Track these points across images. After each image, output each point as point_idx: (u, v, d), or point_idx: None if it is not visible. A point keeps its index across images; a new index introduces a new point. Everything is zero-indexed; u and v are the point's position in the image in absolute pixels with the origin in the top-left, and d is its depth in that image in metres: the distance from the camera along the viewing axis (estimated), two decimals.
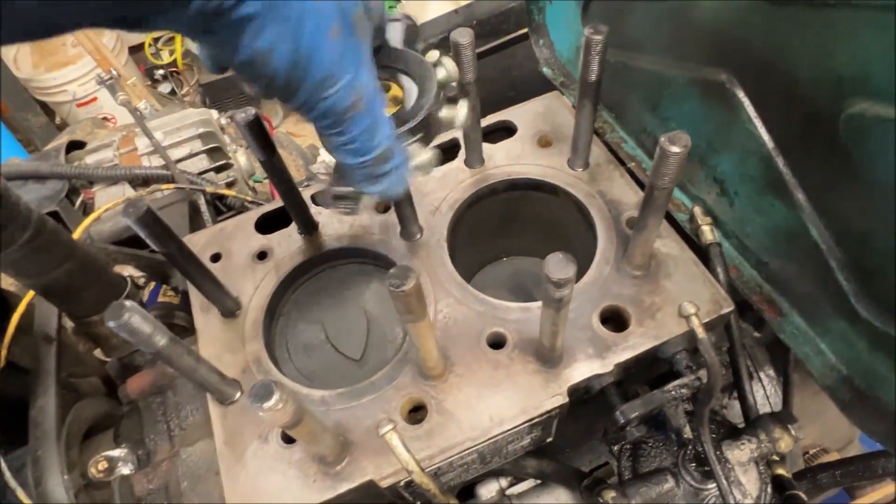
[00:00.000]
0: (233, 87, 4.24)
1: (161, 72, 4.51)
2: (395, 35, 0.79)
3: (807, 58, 0.79)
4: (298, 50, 0.54)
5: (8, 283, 1.38)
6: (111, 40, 4.00)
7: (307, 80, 0.57)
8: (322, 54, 0.55)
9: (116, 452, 1.01)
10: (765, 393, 1.25)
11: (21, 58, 4.04)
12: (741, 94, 0.92)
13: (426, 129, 0.76)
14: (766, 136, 0.90)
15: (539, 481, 1.13)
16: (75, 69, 3.90)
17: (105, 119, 3.61)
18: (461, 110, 0.79)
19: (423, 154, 0.74)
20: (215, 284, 0.98)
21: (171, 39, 4.48)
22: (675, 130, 0.74)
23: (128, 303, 0.69)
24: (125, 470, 0.99)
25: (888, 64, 0.68)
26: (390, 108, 0.79)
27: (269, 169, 0.96)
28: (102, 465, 0.99)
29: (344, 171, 0.70)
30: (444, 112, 0.78)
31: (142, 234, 0.81)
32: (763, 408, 1.19)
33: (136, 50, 4.42)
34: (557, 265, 0.67)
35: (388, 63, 0.79)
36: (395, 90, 0.81)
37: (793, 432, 0.87)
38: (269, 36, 0.52)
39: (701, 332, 0.72)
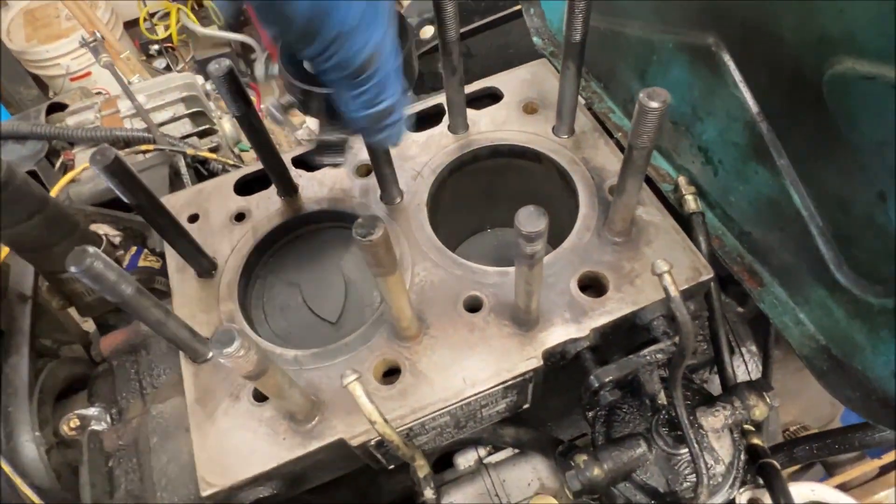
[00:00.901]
0: None
1: (156, 47, 4.46)
2: None
3: (791, 18, 0.77)
4: (318, 2, 0.54)
5: None
6: (106, 13, 3.94)
7: (324, 32, 0.57)
8: (340, 11, 0.56)
9: (90, 411, 1.01)
10: (746, 369, 1.24)
11: (14, 30, 3.99)
12: (727, 58, 0.90)
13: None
14: (750, 101, 0.89)
15: (517, 450, 1.13)
16: (69, 42, 3.84)
17: (98, 94, 3.57)
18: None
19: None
20: (190, 243, 0.97)
21: (167, 15, 4.42)
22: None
23: (90, 248, 0.67)
24: (98, 427, 0.98)
25: (872, 21, 0.66)
26: None
27: (245, 125, 0.94)
28: (74, 423, 0.98)
29: (347, 118, 0.71)
30: None
31: (110, 184, 0.79)
32: None
33: (131, 25, 4.36)
34: (528, 218, 0.66)
35: None
36: None
37: (768, 400, 0.86)
38: None
39: (674, 291, 0.71)
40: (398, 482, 1.16)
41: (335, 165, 0.90)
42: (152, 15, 4.47)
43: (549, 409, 1.23)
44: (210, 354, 0.92)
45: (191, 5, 4.30)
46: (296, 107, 0.77)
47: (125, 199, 0.82)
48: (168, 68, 4.51)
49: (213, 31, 4.18)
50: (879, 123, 0.69)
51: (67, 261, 0.67)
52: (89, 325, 1.51)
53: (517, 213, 0.67)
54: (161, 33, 4.46)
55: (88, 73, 4.02)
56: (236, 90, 0.87)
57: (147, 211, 0.87)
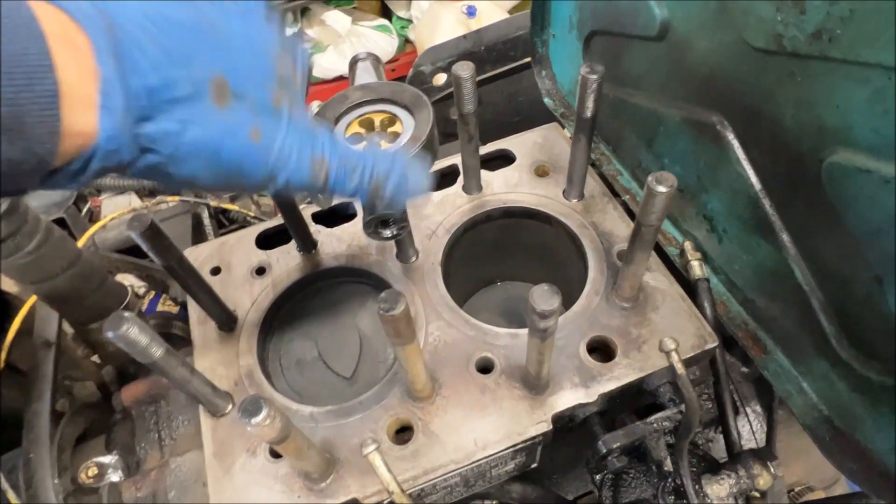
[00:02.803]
0: None
1: None
2: (366, 74, 0.83)
3: (791, 106, 0.82)
4: (224, 169, 0.52)
5: (9, 284, 1.41)
6: None
7: (250, 182, 0.56)
8: (252, 160, 0.53)
9: (107, 459, 1.03)
10: (751, 428, 1.26)
11: None
12: (731, 136, 0.95)
13: (427, 152, 0.79)
14: (753, 178, 0.93)
15: None
16: None
17: None
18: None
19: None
20: (213, 298, 1.01)
21: None
22: (669, 168, 0.77)
23: (127, 314, 0.71)
24: (114, 477, 1.01)
25: (866, 118, 0.71)
26: (391, 136, 0.82)
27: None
28: (92, 471, 1.00)
29: (364, 207, 0.72)
30: None
31: (145, 248, 0.84)
32: (749, 443, 1.20)
33: None
34: (542, 296, 0.70)
35: (378, 97, 0.83)
36: (379, 116, 0.85)
37: (772, 470, 0.88)
38: (187, 169, 0.51)
39: (680, 368, 0.74)
40: None
41: (398, 236, 0.88)
42: None
43: (553, 462, 1.24)
44: (228, 409, 0.95)
45: None
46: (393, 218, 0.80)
47: (157, 261, 0.87)
48: None
49: None
50: (875, 212, 0.73)
51: (105, 326, 0.70)
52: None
53: (531, 291, 0.71)
54: None
55: None
56: None
57: (176, 270, 0.91)
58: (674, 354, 0.73)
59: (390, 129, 0.83)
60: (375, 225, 0.79)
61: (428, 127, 0.79)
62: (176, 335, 1.31)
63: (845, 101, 0.73)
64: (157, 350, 0.76)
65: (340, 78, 4.04)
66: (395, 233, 0.84)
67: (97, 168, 0.47)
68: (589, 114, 0.97)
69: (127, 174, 0.50)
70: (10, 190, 0.46)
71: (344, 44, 3.95)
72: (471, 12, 4.01)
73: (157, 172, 0.51)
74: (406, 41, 4.41)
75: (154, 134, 0.48)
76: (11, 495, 0.98)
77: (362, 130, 0.84)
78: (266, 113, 0.54)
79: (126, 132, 0.46)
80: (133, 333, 0.72)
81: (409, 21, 4.67)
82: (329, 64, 3.93)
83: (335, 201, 0.77)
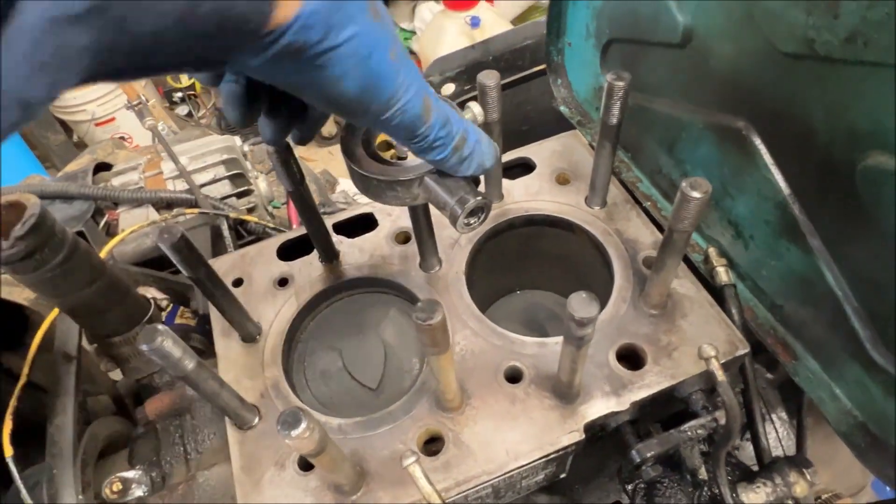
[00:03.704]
0: None
1: (179, 94, 4.61)
2: None
3: (822, 110, 0.82)
4: (367, 76, 0.58)
5: (23, 298, 1.40)
6: None
7: (375, 101, 0.61)
8: (387, 77, 0.60)
9: (131, 474, 1.02)
10: (777, 435, 1.25)
11: None
12: (758, 142, 0.95)
13: None
14: (782, 183, 0.93)
15: None
16: (96, 89, 3.99)
17: (122, 139, 3.68)
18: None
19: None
20: (238, 310, 1.00)
21: None
22: (692, 173, 0.77)
23: (161, 327, 0.71)
24: (139, 492, 0.99)
25: None
26: None
27: (296, 198, 0.98)
28: (116, 487, 0.99)
29: (437, 167, 0.74)
30: None
31: (174, 259, 0.83)
32: (775, 451, 1.19)
33: None
34: (581, 304, 0.69)
35: None
36: None
37: (808, 477, 0.87)
38: (342, 68, 0.56)
39: (720, 375, 0.73)
40: None
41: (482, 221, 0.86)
42: None
43: (579, 472, 1.23)
44: (256, 421, 0.94)
45: None
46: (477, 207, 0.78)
47: (185, 273, 0.86)
48: (190, 115, 4.66)
49: None
50: None
51: (139, 339, 0.70)
52: (115, 374, 1.54)
53: (569, 299, 0.70)
54: (184, 81, 4.63)
55: (112, 119, 4.16)
56: (291, 166, 0.92)
57: (202, 282, 0.91)
58: (713, 361, 0.72)
59: None
60: (470, 212, 0.77)
61: None
62: (195, 347, 1.30)
63: (879, 104, 0.73)
64: (190, 363, 0.76)
65: None
66: (481, 219, 0.82)
67: (285, 44, 0.51)
68: (615, 121, 0.97)
69: (283, 73, 0.55)
70: (215, 55, 0.51)
71: None
72: (474, 23, 4.04)
73: (310, 68, 0.55)
74: (410, 52, 4.44)
75: (336, 21, 0.53)
76: None
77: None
78: (397, 43, 0.60)
79: (322, 11, 0.51)
80: (167, 346, 0.71)
81: (413, 32, 4.70)
82: None
83: (411, 154, 0.78)
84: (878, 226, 0.78)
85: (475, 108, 0.83)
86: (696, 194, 0.76)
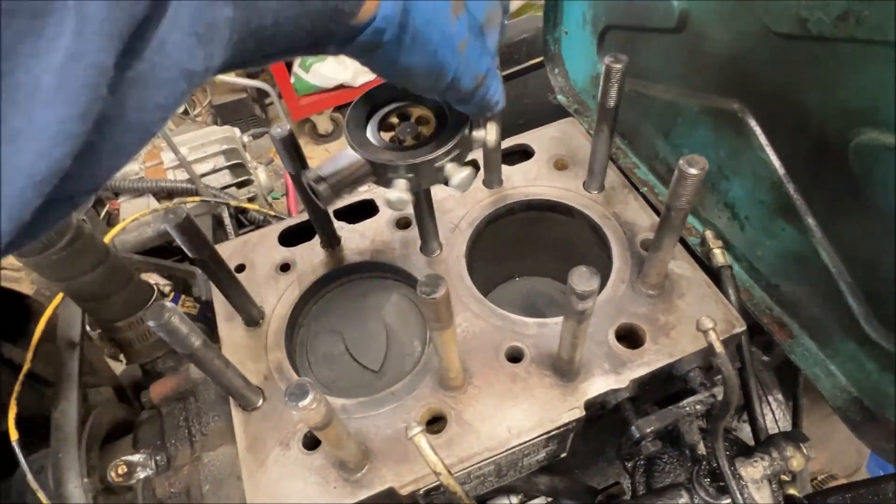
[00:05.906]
0: (243, 108, 4.34)
1: None
2: None
3: (816, 89, 0.83)
4: (433, 64, 0.63)
5: (26, 288, 1.41)
6: None
7: (439, 82, 0.66)
8: (452, 65, 0.65)
9: (135, 457, 1.03)
10: (773, 416, 1.27)
11: None
12: (753, 123, 0.96)
13: (461, 148, 0.80)
14: (777, 163, 0.94)
15: (550, 499, 1.14)
16: None
17: None
18: (491, 132, 0.84)
19: (462, 171, 0.78)
20: (242, 293, 1.01)
21: None
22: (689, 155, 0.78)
23: (168, 304, 0.72)
24: (143, 474, 1.00)
25: (893, 97, 0.72)
26: (425, 129, 0.83)
27: (300, 184, 0.99)
28: (122, 470, 1.00)
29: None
30: (475, 133, 0.83)
31: (179, 240, 0.84)
32: (772, 431, 1.21)
33: None
34: (581, 277, 0.71)
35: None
36: (420, 111, 0.86)
37: (804, 451, 0.89)
38: (413, 57, 0.62)
39: (719, 347, 0.75)
40: None
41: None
42: None
43: (578, 455, 1.24)
44: (260, 402, 0.95)
45: None
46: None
47: (191, 254, 0.87)
48: (186, 112, 4.65)
49: (230, 78, 4.32)
50: None
51: (146, 315, 0.71)
52: (117, 367, 1.55)
53: (570, 273, 0.71)
54: None
55: None
56: (295, 153, 0.93)
57: (207, 264, 0.92)
58: (711, 333, 0.73)
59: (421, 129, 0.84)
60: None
61: (466, 121, 0.80)
62: None
63: (872, 82, 0.74)
64: (197, 340, 0.77)
65: (341, 87, 4.06)
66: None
67: (372, 32, 0.57)
68: (612, 104, 0.99)
69: (369, 56, 0.61)
70: (310, 43, 0.56)
71: None
72: None
73: (385, 57, 0.61)
74: None
75: (414, 23, 0.58)
76: (41, 495, 0.97)
77: (396, 120, 0.85)
78: (475, 29, 0.65)
79: (396, 13, 0.57)
80: (175, 322, 0.72)
81: None
82: (330, 73, 3.96)
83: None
84: (871, 202, 0.80)
85: None
86: (693, 171, 0.77)
